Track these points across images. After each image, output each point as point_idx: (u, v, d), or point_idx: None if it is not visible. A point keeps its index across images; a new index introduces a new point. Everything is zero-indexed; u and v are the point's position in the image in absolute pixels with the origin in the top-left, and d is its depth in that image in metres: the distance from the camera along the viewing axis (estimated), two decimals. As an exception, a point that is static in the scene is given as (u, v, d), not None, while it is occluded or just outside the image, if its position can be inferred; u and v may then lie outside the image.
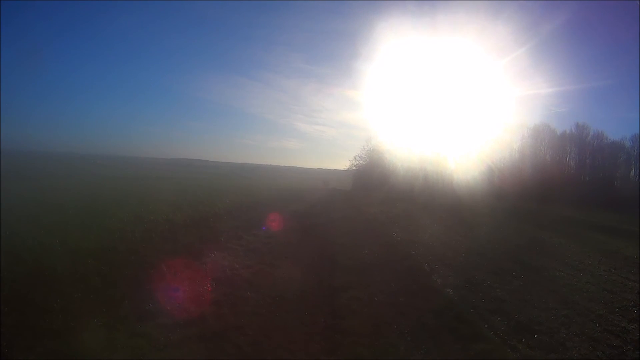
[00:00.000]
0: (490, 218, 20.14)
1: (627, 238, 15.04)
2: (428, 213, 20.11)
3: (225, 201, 19.17)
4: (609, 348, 5.09)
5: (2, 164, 32.11)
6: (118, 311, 5.29)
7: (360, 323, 5.47)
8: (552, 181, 34.04)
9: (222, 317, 5.42)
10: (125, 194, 21.17)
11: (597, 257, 10.83)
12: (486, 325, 5.60)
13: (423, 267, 8.85)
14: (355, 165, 40.33)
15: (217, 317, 5.41)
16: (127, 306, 5.46)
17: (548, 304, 6.63)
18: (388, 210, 20.51)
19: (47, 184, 25.17)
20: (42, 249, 7.80)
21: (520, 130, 38.82)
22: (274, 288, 6.75)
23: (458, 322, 5.65)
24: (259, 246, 10.22)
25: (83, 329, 4.69)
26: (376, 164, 35.93)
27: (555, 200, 29.79)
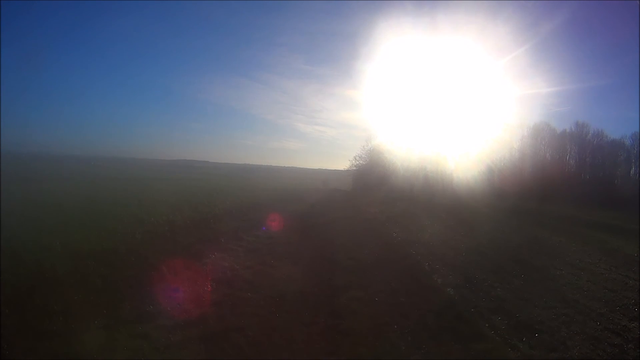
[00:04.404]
0: (491, 217, 20.14)
1: (628, 236, 15.02)
2: (428, 213, 20.09)
3: (225, 202, 19.17)
4: (610, 346, 5.09)
5: (2, 166, 32.11)
6: (118, 312, 5.29)
7: (360, 323, 5.47)
8: (552, 180, 33.98)
9: (223, 318, 5.42)
10: (125, 196, 21.18)
11: (597, 256, 10.82)
12: (487, 325, 5.60)
13: (423, 266, 8.85)
14: (355, 165, 40.28)
15: (217, 317, 5.41)
16: (127, 307, 5.46)
17: (548, 303, 6.62)
18: (388, 210, 20.50)
19: (47, 185, 25.18)
20: (43, 251, 7.80)
21: (520, 130, 38.78)
22: (274, 288, 6.75)
23: (459, 321, 5.65)
24: (259, 247, 10.22)
25: (83, 330, 4.69)
26: (376, 164, 35.89)
27: (556, 199, 29.75)
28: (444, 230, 14.69)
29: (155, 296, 5.86)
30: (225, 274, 7.47)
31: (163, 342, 4.63)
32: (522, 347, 4.95)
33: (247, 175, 67.48)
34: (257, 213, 16.13)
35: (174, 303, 5.75)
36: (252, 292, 6.55)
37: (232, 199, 21.26)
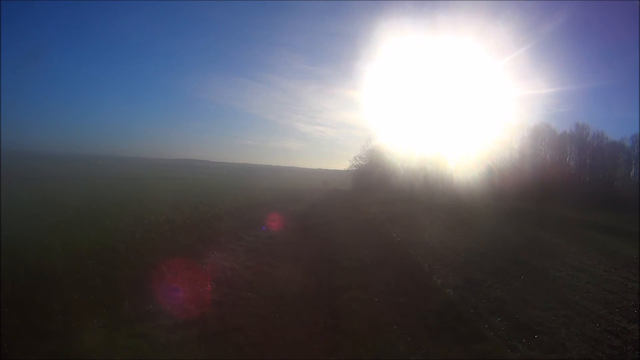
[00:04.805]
0: (490, 218, 20.15)
1: (627, 238, 15.02)
2: (428, 213, 20.10)
3: (225, 202, 19.17)
4: (609, 348, 5.09)
5: (2, 164, 32.10)
6: (118, 312, 5.29)
7: (360, 323, 5.47)
8: (552, 181, 33.98)
9: (223, 318, 5.42)
10: (125, 195, 21.18)
11: (597, 258, 10.82)
12: (486, 326, 5.60)
13: (423, 267, 8.85)
14: (355, 166, 40.31)
15: (217, 317, 5.42)
16: (127, 307, 5.46)
17: (548, 304, 6.63)
18: (388, 210, 20.51)
19: (47, 184, 25.16)
20: (42, 250, 7.79)
21: (520, 131, 38.78)
22: (274, 288, 6.76)
23: (458, 322, 5.66)
24: (259, 247, 10.23)
25: (83, 329, 4.69)
26: (376, 164, 35.89)
27: (555, 200, 29.74)
28: (443, 230, 14.70)
29: (155, 296, 5.86)
30: (225, 274, 7.47)
31: (163, 342, 4.64)
32: (522, 348, 4.96)
33: (247, 175, 67.47)
34: (257, 213, 16.14)
35: (174, 303, 5.76)
36: (252, 292, 6.55)
37: (232, 198, 21.27)
